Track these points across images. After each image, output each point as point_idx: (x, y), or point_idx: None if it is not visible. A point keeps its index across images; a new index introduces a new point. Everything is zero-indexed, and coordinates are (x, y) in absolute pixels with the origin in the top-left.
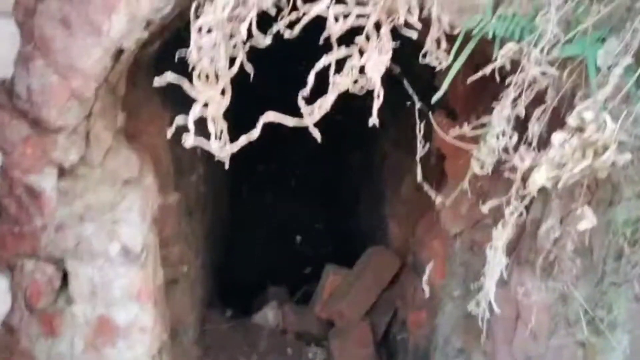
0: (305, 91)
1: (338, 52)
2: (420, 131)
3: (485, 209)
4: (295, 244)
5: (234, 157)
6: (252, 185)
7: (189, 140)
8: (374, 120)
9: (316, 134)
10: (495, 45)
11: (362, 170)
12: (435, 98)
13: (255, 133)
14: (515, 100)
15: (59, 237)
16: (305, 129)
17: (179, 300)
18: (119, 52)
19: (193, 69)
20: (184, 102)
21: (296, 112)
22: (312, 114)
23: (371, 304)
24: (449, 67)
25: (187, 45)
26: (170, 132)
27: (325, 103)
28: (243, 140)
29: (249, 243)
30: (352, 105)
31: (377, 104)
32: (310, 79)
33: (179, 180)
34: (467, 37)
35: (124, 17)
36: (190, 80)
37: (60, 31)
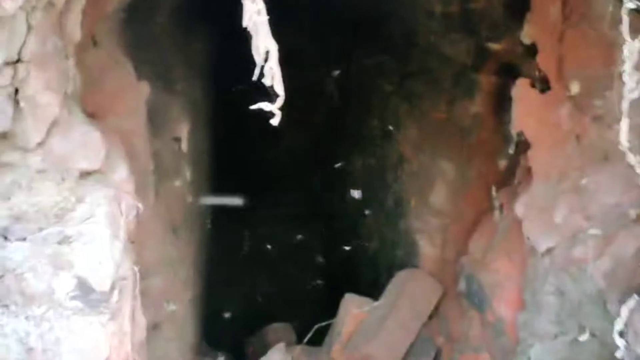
0: None
1: None
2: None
3: None
4: (285, 268)
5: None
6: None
7: None
8: None
9: None
10: None
11: (367, 179)
12: None
13: None
14: None
15: None
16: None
17: (162, 352)
18: None
19: None
20: (168, 68)
21: None
22: None
23: (409, 344)
24: None
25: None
26: None
27: None
28: None
29: (230, 268)
30: (347, 103)
31: None
32: None
33: (159, 184)
34: None
35: None
36: None
37: None
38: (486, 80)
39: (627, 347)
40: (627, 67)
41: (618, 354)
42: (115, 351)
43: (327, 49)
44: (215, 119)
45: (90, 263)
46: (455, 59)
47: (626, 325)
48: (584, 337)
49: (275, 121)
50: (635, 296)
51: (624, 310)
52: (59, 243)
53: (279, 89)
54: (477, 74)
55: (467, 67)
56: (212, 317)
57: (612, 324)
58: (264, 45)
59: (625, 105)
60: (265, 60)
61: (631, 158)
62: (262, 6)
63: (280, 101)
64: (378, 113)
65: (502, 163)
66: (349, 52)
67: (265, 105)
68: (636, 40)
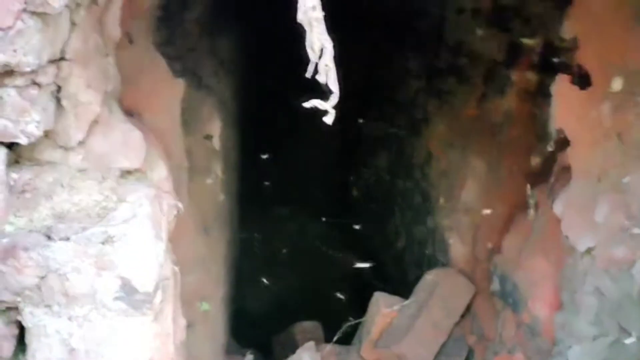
0: None
1: None
2: None
3: None
4: (313, 265)
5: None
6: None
7: None
8: None
9: None
10: None
11: (393, 176)
12: None
13: None
14: None
15: (10, 268)
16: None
17: (196, 351)
18: None
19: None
20: (200, 66)
21: None
22: None
23: (441, 344)
24: None
25: None
26: None
27: None
28: None
29: (258, 265)
30: (371, 101)
31: None
32: None
33: (191, 182)
34: None
35: None
36: None
37: None
38: (519, 77)
39: None
40: None
41: None
42: (158, 353)
43: (355, 45)
44: (244, 114)
45: (134, 264)
46: (486, 55)
47: None
48: (629, 340)
49: (329, 119)
50: None
51: None
52: (103, 243)
53: (334, 86)
54: (510, 70)
55: (499, 63)
56: (240, 314)
57: None
58: (319, 42)
59: None
60: (319, 57)
61: None
62: (317, 2)
63: (334, 99)
64: (406, 109)
65: (536, 160)
66: (377, 48)
67: (319, 103)
68: None
